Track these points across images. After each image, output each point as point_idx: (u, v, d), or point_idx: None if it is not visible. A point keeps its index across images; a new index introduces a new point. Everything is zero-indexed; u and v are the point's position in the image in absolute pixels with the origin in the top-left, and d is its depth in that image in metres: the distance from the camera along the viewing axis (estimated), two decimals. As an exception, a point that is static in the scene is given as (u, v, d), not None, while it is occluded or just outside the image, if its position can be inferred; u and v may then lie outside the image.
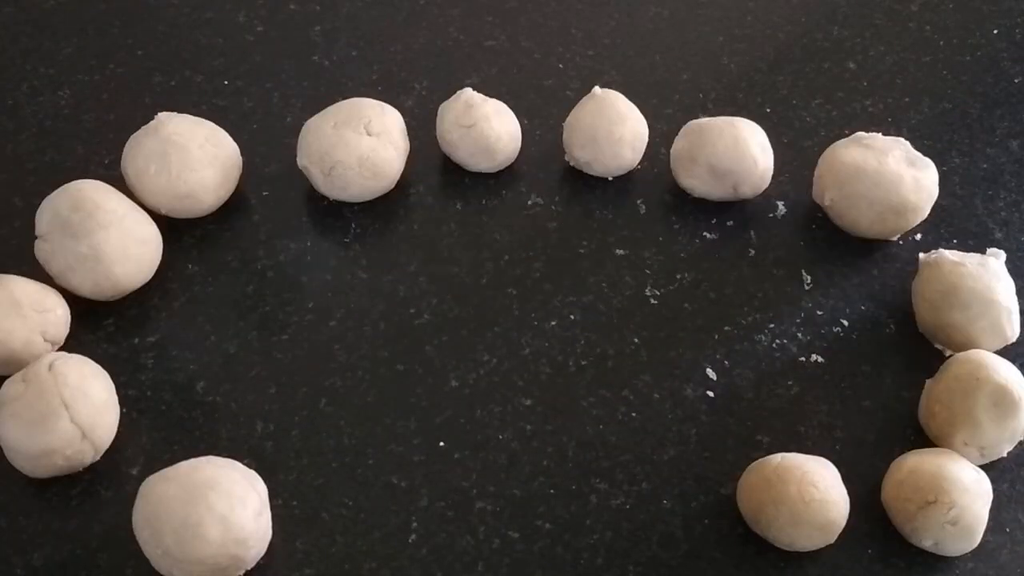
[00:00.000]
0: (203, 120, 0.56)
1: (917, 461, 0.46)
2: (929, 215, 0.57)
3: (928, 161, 0.55)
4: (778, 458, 0.45)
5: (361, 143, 0.55)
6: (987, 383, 0.46)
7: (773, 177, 0.57)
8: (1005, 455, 0.48)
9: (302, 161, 0.56)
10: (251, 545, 0.43)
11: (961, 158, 0.61)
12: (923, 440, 0.49)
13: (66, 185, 0.51)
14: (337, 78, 0.63)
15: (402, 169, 0.57)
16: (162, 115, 0.54)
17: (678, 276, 0.55)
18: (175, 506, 0.42)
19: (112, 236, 0.50)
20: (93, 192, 0.51)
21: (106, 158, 0.59)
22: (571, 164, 0.59)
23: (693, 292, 0.55)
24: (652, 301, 0.54)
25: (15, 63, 0.64)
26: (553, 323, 0.53)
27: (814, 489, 0.44)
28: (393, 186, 0.57)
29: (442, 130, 0.58)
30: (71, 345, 0.50)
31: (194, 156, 0.53)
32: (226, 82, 0.63)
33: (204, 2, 0.68)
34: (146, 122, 0.60)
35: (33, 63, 0.64)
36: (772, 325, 0.53)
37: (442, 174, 0.59)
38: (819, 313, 0.54)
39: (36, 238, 0.51)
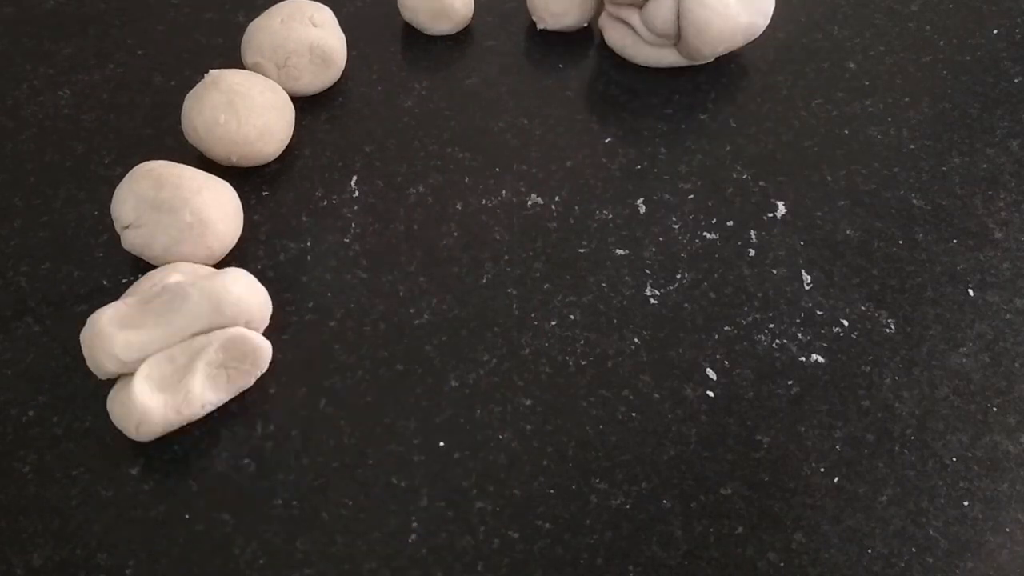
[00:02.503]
0: (250, 72, 0.59)
1: None
2: (929, 215, 0.57)
3: None
4: None
5: (310, 33, 0.60)
6: None
7: (774, 177, 0.57)
8: None
9: (253, 58, 0.60)
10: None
11: (961, 158, 0.61)
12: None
13: (132, 172, 0.52)
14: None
15: (345, 58, 0.63)
16: (213, 72, 0.57)
17: (678, 276, 0.55)
18: None
19: (207, 198, 0.52)
20: (165, 168, 0.52)
21: (106, 158, 0.59)
22: (539, 26, 0.66)
23: (693, 292, 0.55)
24: (652, 301, 0.54)
25: (15, 63, 0.64)
26: (553, 323, 0.53)
27: None
28: (339, 76, 0.63)
29: None
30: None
31: (257, 102, 0.56)
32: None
33: (204, 2, 0.68)
34: (146, 122, 0.61)
35: (33, 63, 0.64)
36: (772, 325, 0.53)
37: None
38: (819, 313, 0.54)
39: (125, 229, 0.51)
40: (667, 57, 0.64)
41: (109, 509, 0.46)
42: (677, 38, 0.62)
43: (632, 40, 0.64)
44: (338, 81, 0.63)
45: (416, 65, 0.65)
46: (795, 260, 0.56)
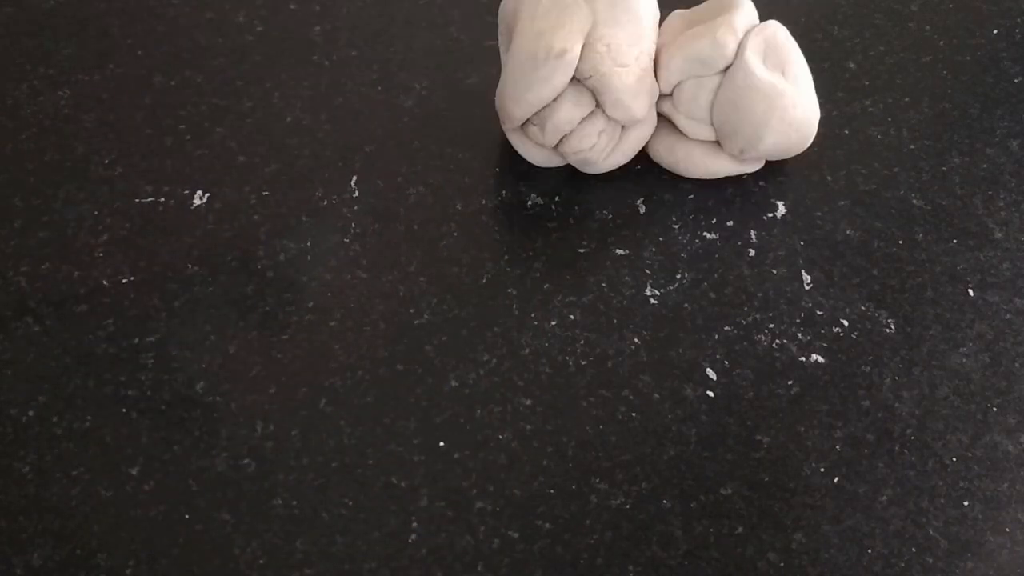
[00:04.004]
0: None
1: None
2: (929, 215, 0.57)
3: None
4: None
5: None
6: None
7: (774, 177, 0.57)
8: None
9: None
10: None
11: (961, 158, 0.61)
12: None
13: None
14: (337, 78, 0.63)
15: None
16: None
17: (678, 276, 0.55)
18: None
19: None
20: None
21: (106, 158, 0.59)
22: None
23: (693, 292, 0.55)
24: (652, 301, 0.54)
25: (15, 63, 0.64)
26: (553, 323, 0.53)
27: None
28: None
29: None
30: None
31: None
32: (226, 82, 0.63)
33: (204, 2, 0.68)
34: (146, 122, 0.61)
35: (33, 63, 0.64)
36: (772, 325, 0.53)
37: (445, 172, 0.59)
38: (819, 313, 0.54)
39: None
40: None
41: (109, 509, 0.46)
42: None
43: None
44: (339, 81, 0.63)
45: (416, 65, 0.65)
46: (795, 260, 0.56)
